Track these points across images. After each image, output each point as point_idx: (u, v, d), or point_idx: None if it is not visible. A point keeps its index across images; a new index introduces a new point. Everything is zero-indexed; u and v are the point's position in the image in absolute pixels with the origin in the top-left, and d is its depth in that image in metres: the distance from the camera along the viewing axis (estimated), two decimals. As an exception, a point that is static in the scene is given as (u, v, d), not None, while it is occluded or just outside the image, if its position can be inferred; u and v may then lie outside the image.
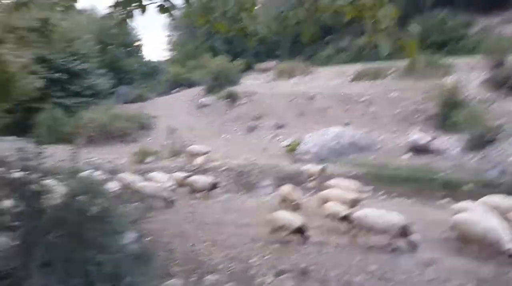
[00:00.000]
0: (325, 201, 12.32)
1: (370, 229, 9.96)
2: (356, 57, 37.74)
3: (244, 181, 20.45)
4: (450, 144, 22.45)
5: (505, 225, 9.18)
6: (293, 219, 10.50)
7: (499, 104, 23.81)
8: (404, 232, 9.49)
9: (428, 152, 22.00)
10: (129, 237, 8.03)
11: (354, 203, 12.15)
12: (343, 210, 11.14)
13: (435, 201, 15.46)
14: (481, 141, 21.09)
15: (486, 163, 19.94)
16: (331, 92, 30.46)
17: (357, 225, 10.24)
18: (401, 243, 9.61)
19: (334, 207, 11.52)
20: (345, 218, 10.83)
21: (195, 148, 24.37)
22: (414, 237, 9.54)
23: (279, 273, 8.48)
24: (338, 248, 9.98)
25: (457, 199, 15.18)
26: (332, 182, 14.99)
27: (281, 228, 10.44)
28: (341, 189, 13.54)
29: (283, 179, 18.93)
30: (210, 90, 36.24)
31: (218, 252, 9.76)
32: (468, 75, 27.43)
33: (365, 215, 10.12)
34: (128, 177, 15.54)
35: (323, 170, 19.17)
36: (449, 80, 26.22)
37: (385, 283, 8.09)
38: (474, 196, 16.75)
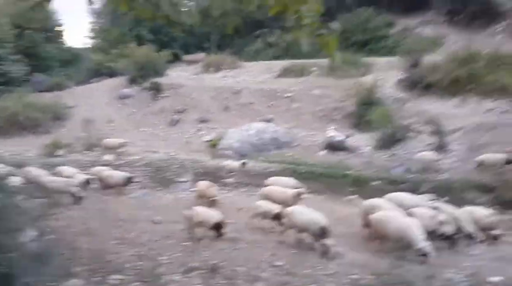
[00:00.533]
0: (266, 197, 12.41)
1: (295, 226, 10.15)
2: (284, 53, 38.38)
3: (162, 176, 20.13)
4: (363, 142, 23.66)
5: (417, 224, 9.58)
6: (211, 214, 10.47)
7: (412, 104, 25.42)
8: (323, 232, 9.62)
9: (342, 149, 23.02)
10: (28, 235, 7.62)
11: (294, 201, 12.30)
12: (275, 208, 11.22)
13: (345, 197, 16.25)
14: (391, 140, 22.45)
15: (393, 161, 21.27)
16: (257, 88, 30.83)
17: (285, 223, 10.44)
18: (317, 243, 9.79)
19: (267, 205, 11.59)
20: (277, 217, 10.96)
21: (111, 140, 23.54)
22: (328, 241, 9.63)
23: (188, 271, 8.41)
24: (251, 244, 10.08)
25: (365, 195, 16.12)
26: (271, 179, 15.00)
27: (198, 224, 10.38)
28: (280, 186, 13.63)
29: (203, 174, 18.89)
30: (133, 81, 35.17)
31: (127, 250, 9.48)
32: (386, 74, 28.93)
33: (292, 212, 10.30)
34: (34, 170, 14.64)
35: (243, 166, 19.37)
36: (367, 79, 27.53)
37: (291, 278, 8.32)
38: (381, 192, 17.92)
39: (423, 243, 8.95)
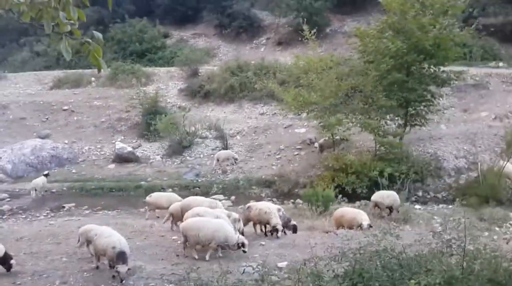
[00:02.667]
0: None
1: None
2: (56, 63, 35.42)
3: None
4: (152, 151, 23.70)
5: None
6: None
7: (194, 112, 26.55)
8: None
9: (132, 160, 22.60)
10: None
11: None
12: None
13: (139, 208, 15.98)
14: (179, 147, 23.10)
15: (184, 167, 21.93)
16: (28, 101, 27.64)
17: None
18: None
19: None
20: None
21: None
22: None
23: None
24: (36, 276, 9.00)
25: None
26: None
27: None
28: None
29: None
30: None
31: None
32: (167, 84, 29.52)
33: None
34: None
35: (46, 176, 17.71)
36: (149, 89, 27.62)
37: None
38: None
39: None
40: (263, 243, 10.69)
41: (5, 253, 9.06)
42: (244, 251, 9.55)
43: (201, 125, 24.61)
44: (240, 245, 9.54)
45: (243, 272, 7.52)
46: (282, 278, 6.49)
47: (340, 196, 16.31)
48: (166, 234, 11.19)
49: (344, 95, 20.51)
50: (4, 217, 15.84)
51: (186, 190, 19.58)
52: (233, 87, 27.39)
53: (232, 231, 9.71)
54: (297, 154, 21.92)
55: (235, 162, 21.38)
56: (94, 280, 8.62)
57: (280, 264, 8.66)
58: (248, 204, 12.28)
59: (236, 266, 8.87)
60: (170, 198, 13.62)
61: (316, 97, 19.38)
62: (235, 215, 10.96)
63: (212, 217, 10.30)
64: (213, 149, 23.32)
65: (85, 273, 9.00)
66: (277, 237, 10.89)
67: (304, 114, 21.66)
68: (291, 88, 21.14)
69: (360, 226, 11.72)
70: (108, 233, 9.03)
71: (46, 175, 18.76)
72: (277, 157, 22.01)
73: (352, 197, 16.88)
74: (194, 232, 9.59)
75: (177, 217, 11.68)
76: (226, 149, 22.48)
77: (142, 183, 20.08)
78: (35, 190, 18.01)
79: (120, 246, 8.55)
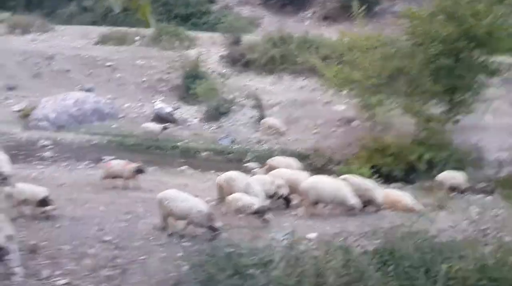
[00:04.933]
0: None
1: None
2: (102, 20, 35.85)
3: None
4: (190, 114, 24.03)
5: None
6: (37, 191, 9.56)
7: (233, 80, 26.62)
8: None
9: (170, 121, 22.99)
10: None
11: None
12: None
13: (175, 168, 16.39)
14: (217, 113, 23.33)
15: (220, 133, 22.21)
16: (73, 54, 28.28)
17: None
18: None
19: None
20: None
21: None
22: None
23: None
24: (75, 221, 9.45)
25: (195, 166, 16.56)
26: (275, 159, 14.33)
27: (23, 202, 9.42)
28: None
29: (13, 148, 16.74)
30: None
31: None
32: (209, 49, 29.54)
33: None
34: None
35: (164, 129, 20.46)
36: (192, 52, 27.76)
37: (120, 251, 8.09)
38: (209, 162, 18.65)
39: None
40: (294, 213, 10.82)
41: (46, 197, 9.53)
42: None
43: (240, 94, 24.73)
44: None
45: (273, 238, 7.65)
46: (311, 248, 6.61)
47: (376, 176, 16.14)
48: (200, 193, 11.44)
49: (388, 77, 20.04)
50: (46, 163, 16.51)
51: (220, 155, 19.90)
52: (274, 59, 27.15)
53: (351, 192, 10.19)
54: (334, 131, 21.80)
55: (280, 133, 21.50)
56: (128, 231, 8.98)
57: (309, 235, 8.77)
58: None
59: (265, 233, 9.06)
60: (290, 164, 13.74)
61: (358, 75, 19.06)
62: (279, 181, 11.17)
63: (245, 181, 10.58)
64: (249, 118, 23.45)
65: (121, 223, 9.40)
66: None
67: (344, 92, 21.39)
68: (333, 65, 20.84)
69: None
70: (184, 197, 9.14)
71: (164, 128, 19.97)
72: (314, 132, 21.96)
73: (387, 179, 16.71)
74: (315, 191, 10.08)
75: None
76: (263, 119, 22.57)
77: (179, 144, 20.48)
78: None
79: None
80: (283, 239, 7.94)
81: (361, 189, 11.07)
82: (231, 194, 10.55)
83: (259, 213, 9.66)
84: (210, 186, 12.93)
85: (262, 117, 22.87)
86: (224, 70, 27.65)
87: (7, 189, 9.47)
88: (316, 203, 10.80)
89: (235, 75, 27.33)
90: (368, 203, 11.07)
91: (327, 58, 23.68)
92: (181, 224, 9.06)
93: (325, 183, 10.81)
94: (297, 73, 26.83)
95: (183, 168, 16.10)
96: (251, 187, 10.50)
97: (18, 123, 21.73)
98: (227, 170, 12.26)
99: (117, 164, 12.75)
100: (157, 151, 19.70)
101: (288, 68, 27.01)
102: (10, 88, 25.04)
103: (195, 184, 13.41)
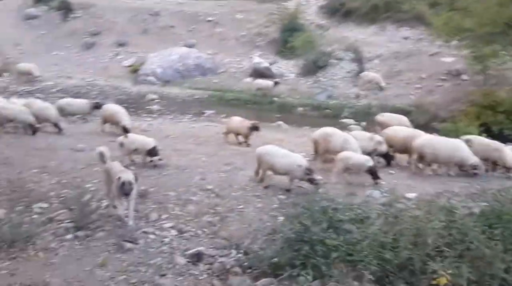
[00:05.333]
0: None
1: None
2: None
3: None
4: (287, 68, 23.89)
5: None
6: (146, 141, 10.25)
7: (332, 31, 25.78)
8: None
9: (267, 75, 23.10)
10: None
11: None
12: None
13: (271, 123, 16.60)
14: (314, 67, 22.91)
15: (317, 87, 21.87)
16: (177, 10, 29.28)
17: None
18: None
19: None
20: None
21: (24, 65, 21.51)
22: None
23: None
24: (179, 170, 10.02)
25: (291, 121, 16.62)
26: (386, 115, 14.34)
27: (134, 151, 10.18)
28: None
29: (125, 101, 18.11)
30: (39, 0, 31.69)
31: (49, 178, 9.05)
32: (308, 0, 28.72)
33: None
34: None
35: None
36: (290, 4, 27.23)
37: (221, 200, 8.50)
38: (306, 118, 18.55)
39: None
40: (392, 172, 10.46)
41: (154, 147, 10.22)
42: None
43: (338, 46, 23.94)
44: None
45: (369, 196, 7.51)
46: (410, 207, 6.38)
47: (485, 135, 14.93)
48: (294, 148, 11.50)
49: (504, 25, 17.97)
50: (153, 116, 17.66)
51: (316, 110, 19.72)
52: (377, 7, 25.66)
53: (470, 152, 9.93)
54: (439, 85, 20.35)
55: (380, 87, 20.65)
56: (229, 181, 9.35)
57: (408, 195, 8.45)
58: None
59: (361, 190, 8.93)
60: (400, 120, 13.49)
61: (471, 23, 17.34)
62: (378, 137, 10.87)
63: (342, 137, 10.35)
64: (347, 72, 22.73)
65: (222, 174, 9.82)
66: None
67: (454, 42, 19.69)
68: (443, 12, 19.16)
69: None
70: (284, 152, 9.23)
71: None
72: (417, 86, 20.70)
73: (498, 138, 15.35)
74: (431, 150, 9.93)
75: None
76: (362, 73, 21.73)
77: (275, 99, 20.59)
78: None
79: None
80: (381, 197, 7.79)
81: (489, 149, 10.40)
82: (327, 149, 10.45)
83: (370, 171, 9.47)
84: (305, 141, 12.93)
85: (361, 70, 22.03)
86: (323, 22, 26.83)
87: (120, 138, 10.35)
88: (431, 162, 10.35)
89: (334, 27, 26.42)
90: (495, 164, 10.45)
91: (436, 5, 21.82)
92: (278, 178, 9.27)
93: (441, 142, 10.26)
94: (401, 22, 25.16)
95: (279, 122, 16.22)
96: (348, 143, 10.26)
97: (128, 78, 23.35)
98: (323, 126, 12.12)
99: (236, 120, 12.96)
100: (254, 106, 20.02)
101: (392, 17, 25.41)
102: (121, 45, 26.81)
103: (290, 138, 13.49)
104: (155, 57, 23.86)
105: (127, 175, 6.95)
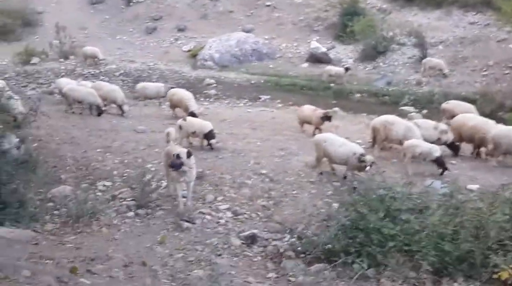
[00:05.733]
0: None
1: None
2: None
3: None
4: (345, 54, 23.40)
5: None
6: (204, 124, 10.50)
7: (394, 15, 24.89)
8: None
9: (325, 61, 22.73)
10: (10, 142, 7.48)
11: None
12: None
13: (327, 109, 16.38)
14: (374, 52, 22.26)
15: (376, 73, 21.28)
16: (236, -7, 29.32)
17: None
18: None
19: None
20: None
21: (89, 49, 22.51)
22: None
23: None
24: (235, 154, 10.18)
25: (347, 108, 16.34)
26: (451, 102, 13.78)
27: (193, 133, 10.47)
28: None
29: (184, 86, 18.52)
30: (104, -15, 32.78)
31: (112, 158, 9.52)
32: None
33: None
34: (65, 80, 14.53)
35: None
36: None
37: (275, 184, 8.57)
38: (363, 104, 18.15)
39: None
40: (453, 162, 10.05)
41: (211, 130, 10.44)
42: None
43: (400, 31, 23.09)
44: None
45: (430, 185, 7.28)
46: (472, 199, 6.14)
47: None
48: (350, 135, 11.32)
49: None
50: (211, 100, 17.97)
51: (374, 97, 19.22)
52: (442, -9, 24.44)
53: None
54: (507, 73, 19.16)
55: (443, 75, 19.79)
56: (283, 166, 9.41)
57: (470, 186, 8.12)
58: None
59: (420, 180, 8.67)
60: (467, 108, 12.91)
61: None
62: (443, 126, 10.53)
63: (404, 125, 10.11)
64: (409, 57, 21.94)
65: (276, 159, 9.88)
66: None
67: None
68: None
69: None
70: (342, 141, 9.12)
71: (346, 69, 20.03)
72: (483, 73, 19.59)
73: None
74: (508, 141, 9.68)
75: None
76: (424, 59, 20.83)
77: (332, 85, 20.26)
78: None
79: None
80: (442, 187, 7.53)
81: None
82: (387, 138, 10.22)
83: (438, 161, 9.18)
84: (361, 128, 12.70)
85: (423, 56, 21.13)
86: (385, 6, 25.93)
87: (179, 121, 10.65)
88: (505, 153, 9.91)
89: (396, 11, 25.46)
90: None
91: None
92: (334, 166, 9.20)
93: None
94: (468, 6, 23.82)
95: (335, 109, 15.97)
96: (411, 132, 9.95)
97: (187, 62, 23.83)
98: (381, 113, 11.82)
99: (307, 109, 12.45)
100: (309, 92, 19.82)
101: (458, 2, 24.09)
102: (181, 29, 27.32)
103: (346, 125, 13.27)
104: (214, 42, 24.14)
105: (181, 149, 7.21)
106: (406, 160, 9.41)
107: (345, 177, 8.71)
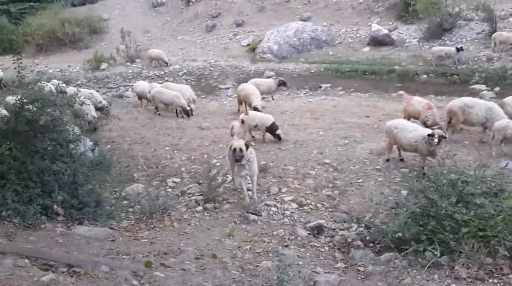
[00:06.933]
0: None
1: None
2: None
3: (205, 83, 20.15)
4: (409, 34, 22.45)
5: None
6: (266, 118, 10.60)
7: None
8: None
9: (387, 43, 21.99)
10: (85, 145, 7.97)
11: None
12: None
13: (390, 93, 15.86)
14: (439, 30, 21.18)
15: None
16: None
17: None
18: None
19: None
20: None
21: (155, 51, 23.35)
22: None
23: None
24: (297, 145, 10.17)
25: (413, 90, 15.71)
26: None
27: (254, 127, 10.61)
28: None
29: (244, 80, 18.70)
30: (164, -12, 33.81)
31: (180, 155, 9.87)
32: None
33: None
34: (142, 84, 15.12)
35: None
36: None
37: (340, 174, 8.46)
38: (429, 86, 17.37)
39: None
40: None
41: (273, 123, 10.49)
42: None
43: (467, 6, 21.75)
44: None
45: (505, 167, 6.87)
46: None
47: None
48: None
49: None
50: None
51: (442, 77, 18.31)
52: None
53: None
54: None
55: None
56: (347, 155, 9.27)
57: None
58: None
59: (495, 162, 8.21)
60: None
61: None
62: None
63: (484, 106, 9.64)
64: (477, 33, 20.64)
65: (339, 147, 9.75)
66: None
67: None
68: None
69: None
70: (413, 127, 8.87)
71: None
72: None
73: None
74: None
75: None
76: (495, 33, 19.47)
77: (396, 67, 19.55)
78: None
79: None
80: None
81: None
82: (465, 121, 9.75)
83: None
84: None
85: (494, 31, 19.77)
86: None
87: (241, 116, 10.80)
88: None
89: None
90: None
91: None
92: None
93: None
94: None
95: (400, 92, 15.41)
96: (493, 113, 9.42)
97: (247, 57, 24.01)
98: (449, 94, 11.27)
99: (417, 101, 10.98)
100: (372, 77, 19.25)
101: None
102: (239, 25, 27.56)
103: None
104: (272, 34, 24.12)
105: (238, 142, 7.29)
106: (494, 141, 8.96)
107: (424, 174, 8.30)
